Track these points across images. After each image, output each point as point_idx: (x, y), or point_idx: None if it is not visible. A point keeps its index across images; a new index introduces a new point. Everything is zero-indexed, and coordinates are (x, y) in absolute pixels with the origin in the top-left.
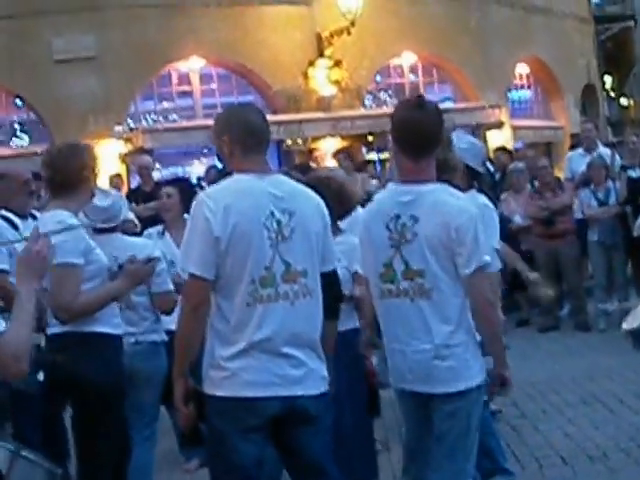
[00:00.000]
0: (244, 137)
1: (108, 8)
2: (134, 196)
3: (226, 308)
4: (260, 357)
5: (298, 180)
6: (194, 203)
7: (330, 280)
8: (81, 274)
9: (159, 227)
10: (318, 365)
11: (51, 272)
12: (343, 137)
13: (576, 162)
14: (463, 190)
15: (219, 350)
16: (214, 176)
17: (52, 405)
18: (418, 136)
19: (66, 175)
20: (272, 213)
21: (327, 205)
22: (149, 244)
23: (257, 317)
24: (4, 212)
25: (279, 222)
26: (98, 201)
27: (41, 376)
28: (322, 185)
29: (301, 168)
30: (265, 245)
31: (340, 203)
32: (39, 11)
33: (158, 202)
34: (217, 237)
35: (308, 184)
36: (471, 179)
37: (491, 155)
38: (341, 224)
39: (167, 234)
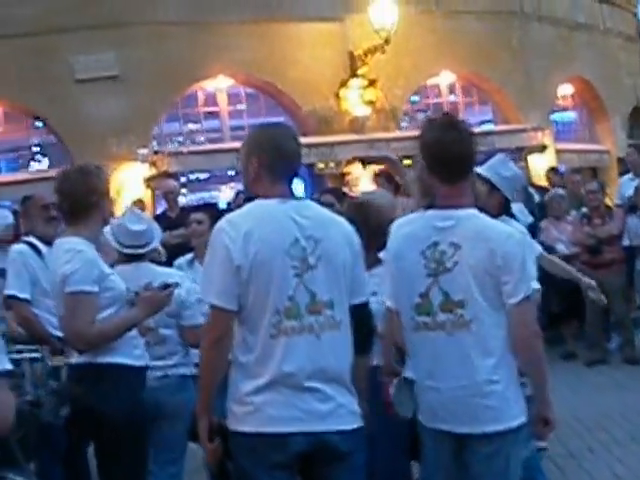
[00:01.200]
0: (274, 162)
1: (130, 25)
2: (159, 223)
3: (250, 340)
4: (284, 391)
5: (329, 205)
6: (213, 230)
7: (361, 313)
8: (95, 302)
9: (189, 256)
10: (348, 399)
11: (64, 300)
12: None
13: (625, 187)
14: (495, 217)
15: (242, 384)
16: (243, 201)
17: (72, 438)
18: (453, 158)
19: (74, 200)
20: (296, 240)
21: (365, 234)
22: (179, 274)
23: (281, 350)
24: (31, 238)
25: (304, 249)
26: (131, 224)
27: (65, 409)
28: (359, 213)
29: (335, 193)
30: (289, 274)
31: (379, 232)
32: (59, 28)
33: (188, 229)
34: (238, 266)
35: (344, 212)
36: (503, 206)
37: (537, 178)
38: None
39: (197, 263)
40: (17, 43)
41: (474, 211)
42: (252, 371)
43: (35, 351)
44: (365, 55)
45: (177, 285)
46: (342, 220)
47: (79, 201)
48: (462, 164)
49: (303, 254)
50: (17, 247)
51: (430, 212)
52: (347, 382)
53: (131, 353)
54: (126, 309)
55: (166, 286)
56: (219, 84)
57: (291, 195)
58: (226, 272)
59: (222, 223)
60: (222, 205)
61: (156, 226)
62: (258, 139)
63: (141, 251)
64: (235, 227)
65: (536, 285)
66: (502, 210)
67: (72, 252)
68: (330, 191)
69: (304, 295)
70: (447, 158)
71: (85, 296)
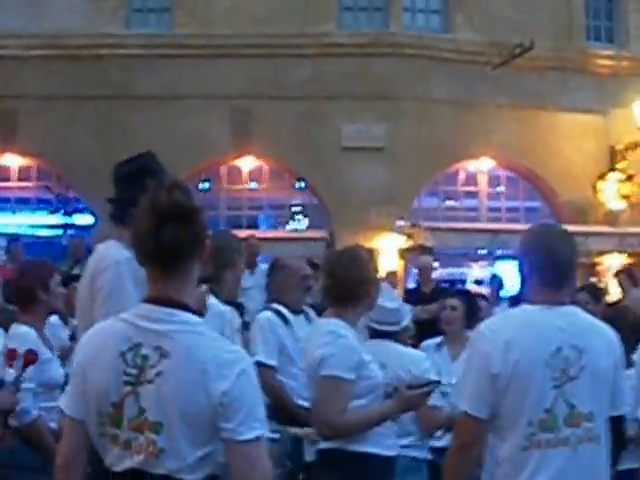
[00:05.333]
0: (544, 269)
1: (401, 99)
2: (412, 296)
3: (500, 451)
4: None
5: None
6: (473, 335)
7: (615, 425)
8: (350, 390)
9: (438, 339)
10: None
11: (317, 383)
12: (630, 254)
13: None
14: None
15: None
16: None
17: None
18: None
19: (345, 287)
20: (558, 349)
21: (622, 338)
22: (424, 359)
23: (533, 463)
24: (276, 305)
25: (566, 359)
26: (385, 302)
27: None
28: (618, 317)
29: (590, 290)
30: (547, 385)
31: (634, 334)
32: (331, 95)
33: (441, 314)
34: (496, 374)
35: (605, 317)
36: None
37: None
38: (633, 356)
39: (445, 348)
40: (290, 105)
41: None
42: None
43: (275, 432)
44: (625, 150)
45: (438, 384)
46: (605, 327)
47: (350, 288)
48: None
49: (565, 364)
50: (265, 314)
51: None
52: None
53: (381, 442)
54: (381, 400)
55: (428, 383)
56: (481, 165)
57: (560, 298)
58: (482, 379)
59: (483, 329)
60: (470, 282)
61: (405, 307)
62: (531, 242)
63: (387, 329)
64: (496, 334)
65: None
66: None
67: (333, 335)
68: (585, 288)
69: (562, 407)
70: None
71: (340, 382)
